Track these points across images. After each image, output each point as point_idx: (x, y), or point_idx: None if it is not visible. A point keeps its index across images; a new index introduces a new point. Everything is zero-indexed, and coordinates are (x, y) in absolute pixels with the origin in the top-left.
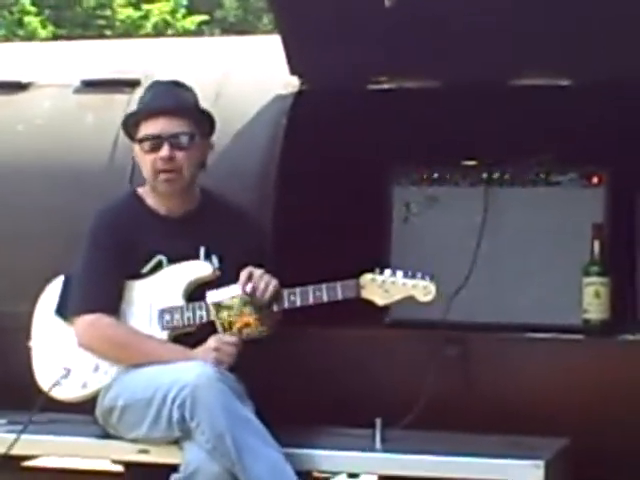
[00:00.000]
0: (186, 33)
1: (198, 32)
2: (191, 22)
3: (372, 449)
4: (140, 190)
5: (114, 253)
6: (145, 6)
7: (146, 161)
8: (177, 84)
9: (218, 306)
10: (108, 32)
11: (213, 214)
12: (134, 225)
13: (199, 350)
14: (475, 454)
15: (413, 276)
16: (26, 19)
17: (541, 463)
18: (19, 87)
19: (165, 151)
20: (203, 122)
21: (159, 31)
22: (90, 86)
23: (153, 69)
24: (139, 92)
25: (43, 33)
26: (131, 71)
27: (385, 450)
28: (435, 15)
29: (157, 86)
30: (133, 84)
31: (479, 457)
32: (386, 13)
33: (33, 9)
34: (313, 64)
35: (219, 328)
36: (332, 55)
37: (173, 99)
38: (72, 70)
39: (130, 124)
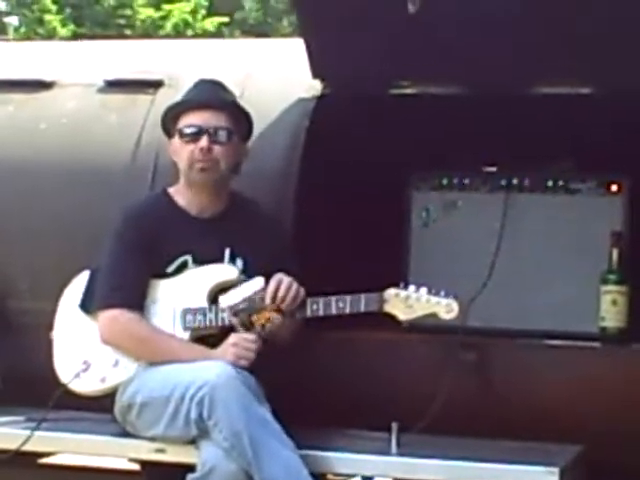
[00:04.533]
0: (206, 34)
1: (218, 33)
2: (211, 23)
3: (388, 453)
4: (171, 189)
5: (140, 250)
6: (165, 6)
7: (184, 151)
8: (220, 84)
9: (234, 309)
10: (128, 32)
11: (241, 217)
12: (162, 223)
13: (219, 349)
14: (490, 460)
15: (437, 293)
16: (46, 17)
17: (556, 470)
18: (43, 86)
19: (204, 142)
20: (242, 123)
21: (179, 32)
22: (113, 86)
23: (176, 70)
24: (162, 93)
25: (63, 32)
26: (154, 72)
27: (400, 454)
28: (458, 21)
29: (202, 83)
30: (156, 85)
31: (494, 463)
32: (409, 18)
33: (54, 7)
34: (335, 68)
35: (239, 329)
36: (354, 59)
37: (216, 95)
38: (95, 70)
39: (171, 116)
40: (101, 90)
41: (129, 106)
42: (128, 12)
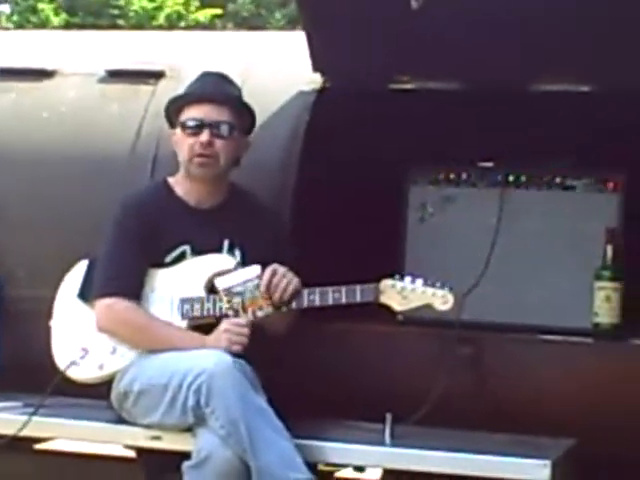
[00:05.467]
0: (199, 26)
1: (211, 25)
2: (204, 15)
3: (381, 443)
4: (170, 180)
5: (138, 239)
6: None
7: (184, 144)
8: (225, 77)
9: (229, 292)
10: (121, 22)
11: (239, 208)
12: (160, 213)
13: (211, 336)
14: (483, 452)
15: (432, 285)
16: (39, 6)
17: (548, 462)
18: (44, 74)
19: (205, 136)
20: (245, 117)
21: (172, 23)
22: (115, 76)
23: (178, 61)
24: (163, 84)
25: (56, 20)
26: (156, 63)
27: (394, 445)
28: (459, 17)
29: (206, 76)
30: (157, 76)
31: (487, 455)
32: (411, 14)
33: None
34: (336, 62)
35: (231, 313)
36: (355, 53)
37: (219, 89)
38: (97, 59)
39: (174, 108)
40: (103, 80)
41: (130, 96)
42: (122, 2)
